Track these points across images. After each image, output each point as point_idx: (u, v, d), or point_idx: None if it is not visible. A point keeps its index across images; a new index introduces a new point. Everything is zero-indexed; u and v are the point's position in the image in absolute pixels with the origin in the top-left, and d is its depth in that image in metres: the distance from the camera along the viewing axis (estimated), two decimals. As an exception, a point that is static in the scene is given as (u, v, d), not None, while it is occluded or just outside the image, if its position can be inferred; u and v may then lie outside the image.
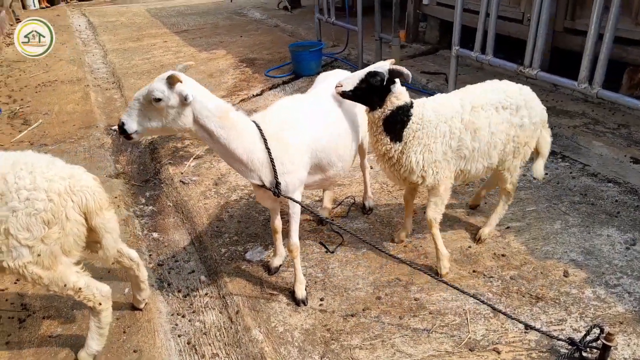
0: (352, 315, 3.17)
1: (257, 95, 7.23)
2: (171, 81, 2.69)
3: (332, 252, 3.78)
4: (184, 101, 2.72)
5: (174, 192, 4.80)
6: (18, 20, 13.01)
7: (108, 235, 2.69)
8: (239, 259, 3.77)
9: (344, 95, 3.15)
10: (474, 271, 3.50)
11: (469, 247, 3.76)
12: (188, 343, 3.09)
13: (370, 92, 3.11)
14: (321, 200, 4.28)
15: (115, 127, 2.71)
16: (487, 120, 3.27)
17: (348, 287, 3.41)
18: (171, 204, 4.67)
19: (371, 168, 4.94)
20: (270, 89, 7.48)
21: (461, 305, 3.19)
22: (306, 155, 3.13)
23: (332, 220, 4.17)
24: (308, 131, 3.14)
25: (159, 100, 2.70)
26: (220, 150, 2.93)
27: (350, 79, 3.12)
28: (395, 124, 3.16)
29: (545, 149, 3.62)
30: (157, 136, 5.69)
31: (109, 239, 2.70)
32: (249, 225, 4.17)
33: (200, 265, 3.80)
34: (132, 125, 2.76)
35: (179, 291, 3.53)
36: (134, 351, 2.94)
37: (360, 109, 3.72)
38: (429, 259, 3.65)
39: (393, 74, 3.06)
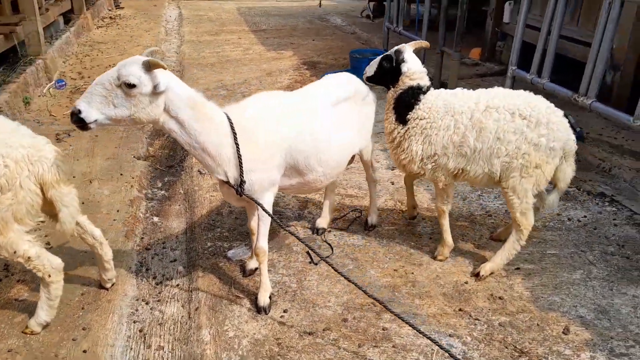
0: (309, 334, 2.95)
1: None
2: (148, 66, 2.50)
3: (315, 264, 3.57)
4: (158, 89, 2.54)
5: (188, 180, 4.83)
6: (118, 7, 14.02)
7: (65, 208, 2.70)
8: (220, 255, 3.68)
9: (369, 79, 3.49)
10: (460, 309, 3.14)
11: (465, 282, 3.38)
12: (140, 330, 3.03)
13: (384, 74, 3.38)
14: (318, 207, 4.07)
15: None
16: (497, 123, 3.08)
17: (317, 303, 3.19)
18: (182, 192, 4.69)
19: (392, 184, 4.67)
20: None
21: (432, 345, 2.85)
22: (278, 154, 2.96)
23: (330, 230, 3.96)
24: (283, 129, 2.96)
25: (133, 86, 2.48)
26: (188, 143, 2.75)
27: (372, 64, 3.43)
28: (402, 104, 3.31)
29: (563, 182, 3.21)
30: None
31: (65, 212, 2.70)
32: (244, 223, 4.07)
33: (184, 255, 3.75)
34: (91, 114, 2.50)
35: (154, 278, 3.50)
36: (83, 328, 2.93)
37: (362, 118, 3.50)
38: (415, 288, 3.33)
39: (398, 53, 3.30)
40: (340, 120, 3.27)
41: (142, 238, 3.96)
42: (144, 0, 15.71)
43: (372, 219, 3.97)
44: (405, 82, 3.28)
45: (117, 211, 4.15)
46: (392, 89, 3.37)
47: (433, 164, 3.28)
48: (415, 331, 2.87)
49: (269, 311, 3.11)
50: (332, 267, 2.87)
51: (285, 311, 3.13)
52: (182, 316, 3.15)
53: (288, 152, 3.00)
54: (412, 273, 3.48)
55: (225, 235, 3.91)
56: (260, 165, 2.88)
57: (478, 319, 3.06)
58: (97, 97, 2.51)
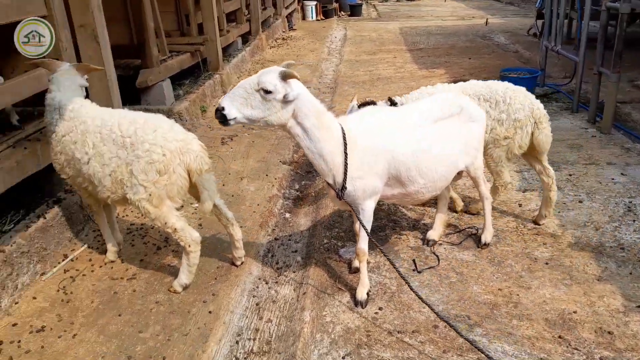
0: (398, 332, 3.15)
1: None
2: (284, 76, 2.82)
3: (419, 272, 3.73)
4: (290, 97, 2.87)
5: (319, 186, 5.32)
6: (291, 29, 15.50)
7: (205, 191, 3.33)
8: (333, 251, 4.05)
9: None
10: (560, 337, 3.04)
11: (574, 312, 3.24)
12: (257, 304, 3.54)
13: None
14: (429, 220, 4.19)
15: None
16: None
17: (412, 307, 3.36)
18: (313, 195, 5.20)
19: (519, 206, 4.58)
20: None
21: (519, 364, 2.84)
22: (381, 164, 3.21)
23: (440, 243, 4.08)
24: (386, 141, 3.22)
25: (269, 92, 2.80)
26: (308, 147, 3.08)
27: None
28: None
29: (541, 147, 4.01)
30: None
31: (205, 194, 3.33)
32: (361, 227, 4.39)
33: (304, 248, 4.21)
34: (232, 111, 2.83)
35: (277, 263, 4.01)
36: (212, 294, 3.54)
37: (467, 135, 3.58)
38: (516, 309, 3.29)
39: None
40: (442, 136, 3.42)
41: (274, 230, 4.53)
42: (316, 23, 17.11)
43: (486, 237, 3.99)
44: None
45: (258, 205, 4.80)
46: None
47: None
48: (504, 349, 2.90)
49: (365, 306, 3.38)
50: (402, 277, 3.03)
51: (380, 309, 3.36)
52: (292, 298, 3.58)
53: (391, 163, 3.25)
54: (517, 295, 3.44)
55: (341, 235, 4.28)
56: (364, 174, 3.18)
57: (577, 349, 2.94)
58: (238, 98, 2.85)
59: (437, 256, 3.90)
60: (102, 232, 3.85)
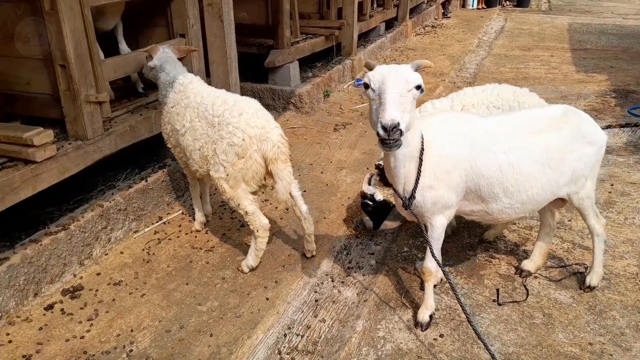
0: (453, 365, 2.82)
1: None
2: (417, 68, 2.50)
3: (499, 304, 3.30)
4: (423, 91, 2.49)
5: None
6: (445, 17, 14.79)
7: (280, 181, 3.30)
8: (410, 261, 3.77)
9: None
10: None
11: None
12: (316, 300, 3.44)
13: None
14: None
15: (388, 125, 2.32)
16: None
17: (478, 342, 2.99)
18: (411, 196, 4.90)
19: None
20: (621, 126, 6.33)
21: None
22: (457, 175, 2.85)
23: (536, 276, 3.56)
24: (465, 150, 2.85)
25: (420, 87, 2.44)
26: (396, 152, 2.68)
27: None
28: None
29: None
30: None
31: (279, 184, 3.30)
32: (448, 240, 4.02)
33: (382, 252, 3.99)
34: (404, 125, 2.36)
35: (349, 262, 3.86)
36: (275, 281, 3.53)
37: (573, 158, 3.03)
38: (604, 372, 2.75)
39: None
40: (540, 153, 2.93)
41: (357, 227, 4.37)
42: (475, 12, 16.10)
43: (592, 279, 3.38)
44: None
45: (348, 198, 4.68)
46: None
47: None
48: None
49: (425, 329, 3.09)
50: (459, 302, 2.65)
51: (441, 335, 3.05)
52: (353, 302, 3.42)
53: (469, 175, 2.87)
54: (611, 355, 2.86)
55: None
56: (436, 184, 2.85)
57: None
58: (399, 105, 2.36)
59: (527, 290, 3.41)
60: (194, 201, 4.07)
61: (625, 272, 3.57)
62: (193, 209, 4.33)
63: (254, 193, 3.43)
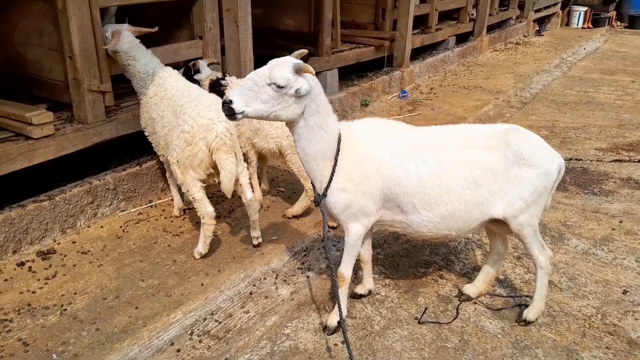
0: (337, 373, 2.82)
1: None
2: (298, 70, 2.62)
3: (419, 322, 3.20)
4: (302, 92, 2.62)
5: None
6: (539, 35, 13.95)
7: (222, 170, 3.52)
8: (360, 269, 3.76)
9: None
10: None
11: None
12: (250, 293, 3.56)
13: None
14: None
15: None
16: None
17: (380, 356, 2.94)
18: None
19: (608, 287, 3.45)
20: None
21: None
22: (372, 179, 2.85)
23: (475, 302, 3.38)
24: (384, 155, 2.85)
25: (282, 87, 2.59)
26: (304, 149, 2.84)
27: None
28: None
29: None
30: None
31: (222, 173, 3.53)
32: (407, 254, 3.93)
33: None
34: (239, 105, 2.61)
35: (302, 263, 3.91)
36: (218, 270, 3.72)
37: (509, 179, 2.86)
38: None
39: None
40: (469, 168, 2.84)
41: (335, 229, 4.37)
42: (575, 31, 15.01)
43: (529, 312, 3.15)
44: None
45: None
46: None
47: None
48: None
49: (331, 334, 3.10)
50: (340, 315, 2.62)
51: (342, 342, 3.04)
52: (283, 300, 3.49)
53: (386, 182, 2.86)
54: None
55: (377, 257, 3.92)
56: (350, 187, 2.85)
57: None
58: (246, 91, 2.63)
59: (457, 313, 3.26)
60: (171, 188, 4.41)
61: (577, 313, 3.26)
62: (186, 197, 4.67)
63: (202, 181, 3.67)
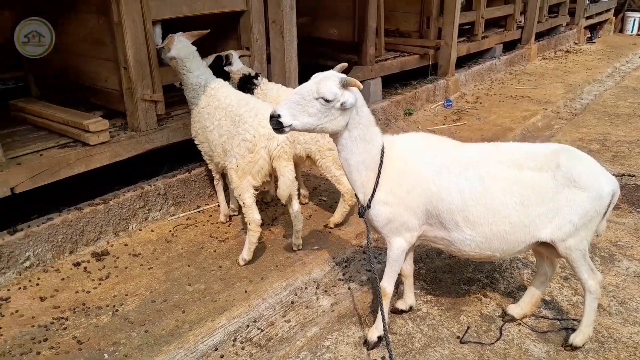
0: (377, 388, 2.84)
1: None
2: (345, 84, 2.67)
3: (461, 342, 3.17)
4: (347, 106, 2.68)
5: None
6: (591, 42, 13.50)
7: (281, 177, 3.64)
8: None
9: None
10: None
11: None
12: (292, 302, 3.62)
13: None
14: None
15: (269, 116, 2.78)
16: None
17: (417, 372, 2.95)
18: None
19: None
20: None
21: None
22: (415, 193, 2.86)
23: (519, 323, 3.33)
24: (428, 170, 2.85)
25: (329, 101, 2.64)
26: (347, 160, 2.88)
27: None
28: None
29: None
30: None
31: (281, 179, 3.65)
32: (450, 270, 3.90)
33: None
34: (287, 119, 2.67)
35: (343, 274, 3.95)
36: (261, 278, 3.80)
37: (558, 201, 2.81)
38: None
39: None
40: (517, 188, 2.82)
41: (377, 240, 4.40)
42: (630, 39, 14.45)
43: (576, 337, 3.07)
44: None
45: (375, 215, 4.75)
46: None
47: None
48: None
49: (370, 349, 3.12)
50: (384, 332, 2.63)
51: (382, 358, 3.06)
52: (323, 311, 3.54)
53: (429, 197, 2.86)
54: (553, 419, 2.62)
55: (419, 272, 3.91)
56: (393, 201, 2.88)
57: None
58: (294, 105, 2.68)
59: (500, 334, 3.23)
60: (218, 195, 4.54)
61: (628, 340, 3.16)
62: (233, 203, 4.79)
63: (256, 189, 3.78)
